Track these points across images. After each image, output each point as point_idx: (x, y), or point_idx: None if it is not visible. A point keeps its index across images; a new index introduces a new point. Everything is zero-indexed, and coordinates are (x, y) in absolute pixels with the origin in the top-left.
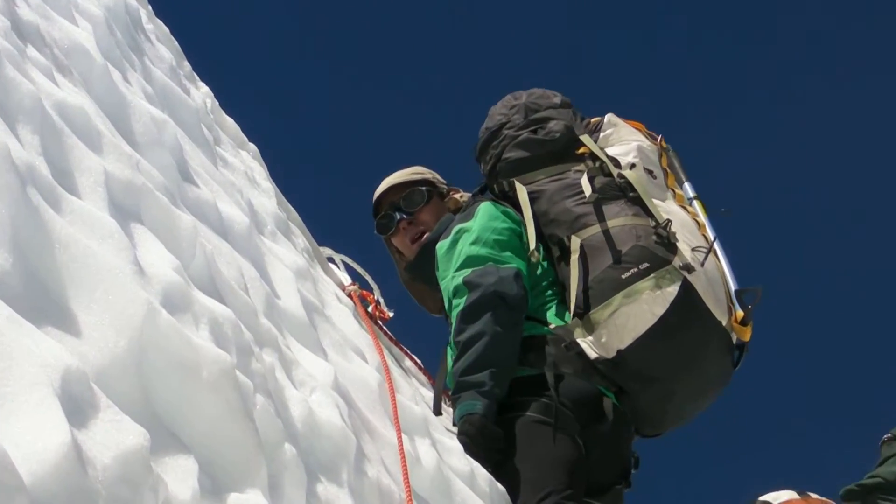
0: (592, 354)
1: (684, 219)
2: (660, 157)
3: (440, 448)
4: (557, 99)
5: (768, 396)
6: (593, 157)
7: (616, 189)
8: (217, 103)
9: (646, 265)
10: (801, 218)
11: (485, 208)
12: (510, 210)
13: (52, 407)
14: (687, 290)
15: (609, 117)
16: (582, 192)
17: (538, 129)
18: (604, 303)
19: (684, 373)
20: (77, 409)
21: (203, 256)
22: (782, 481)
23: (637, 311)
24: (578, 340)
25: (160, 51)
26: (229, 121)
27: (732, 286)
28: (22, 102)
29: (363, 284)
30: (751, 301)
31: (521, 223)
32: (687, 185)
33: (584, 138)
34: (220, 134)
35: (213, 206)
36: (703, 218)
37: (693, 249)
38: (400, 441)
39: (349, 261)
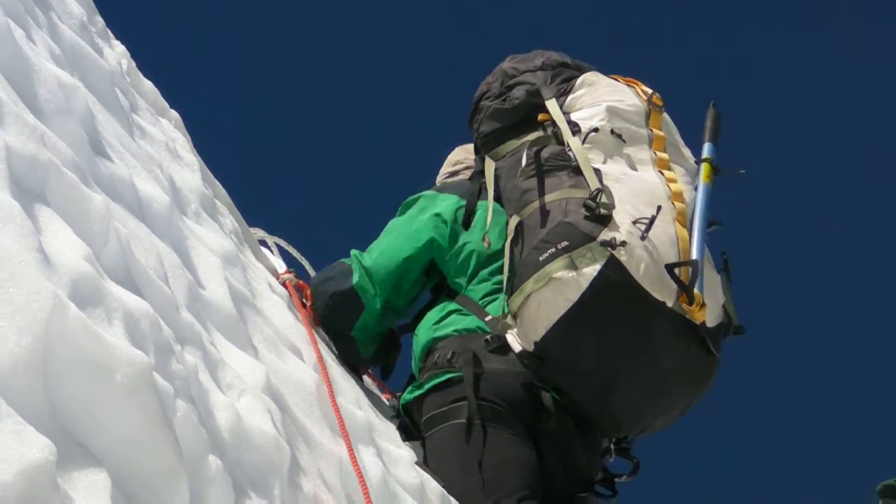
0: (517, 347)
1: (649, 186)
2: (648, 116)
3: (386, 458)
4: (539, 60)
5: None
6: (554, 122)
7: (563, 158)
8: (134, 64)
9: (565, 243)
10: None
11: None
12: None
13: None
14: (613, 270)
15: (585, 77)
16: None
17: (507, 98)
18: (519, 289)
19: (622, 365)
20: None
21: (117, 242)
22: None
23: (548, 298)
24: (507, 333)
25: (69, 5)
26: (148, 84)
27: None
28: None
29: (300, 272)
30: (695, 278)
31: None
32: (707, 145)
33: (549, 103)
34: (137, 100)
35: (129, 183)
36: (680, 184)
37: (635, 222)
38: (351, 451)
39: (284, 244)
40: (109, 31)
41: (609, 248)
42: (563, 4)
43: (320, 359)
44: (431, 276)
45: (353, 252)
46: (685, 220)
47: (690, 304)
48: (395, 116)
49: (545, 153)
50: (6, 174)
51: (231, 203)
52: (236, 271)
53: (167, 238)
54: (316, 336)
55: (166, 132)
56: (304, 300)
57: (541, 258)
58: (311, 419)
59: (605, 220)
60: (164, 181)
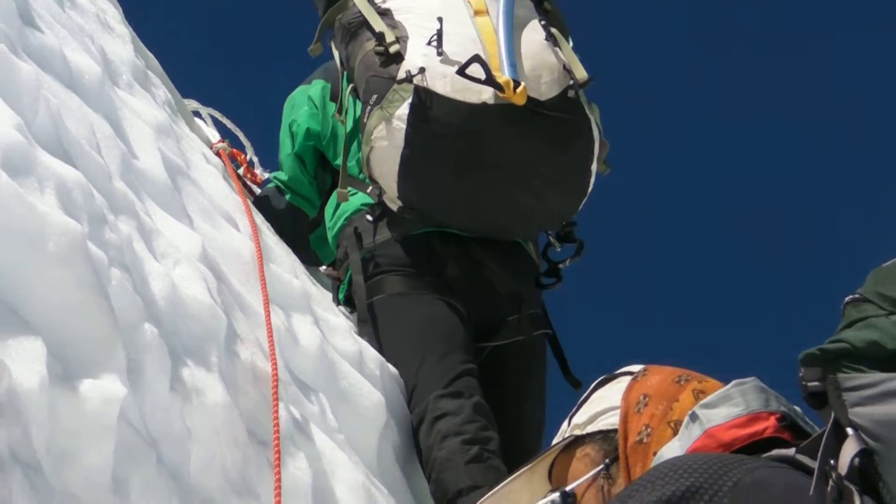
0: (393, 207)
1: (444, 5)
2: None
3: (324, 327)
4: None
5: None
6: None
7: (356, 16)
8: None
9: (375, 97)
10: None
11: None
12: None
13: None
14: (421, 98)
15: None
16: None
17: None
18: (361, 156)
19: (475, 176)
20: None
21: (47, 112)
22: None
23: (381, 155)
24: (384, 198)
25: None
26: None
27: (503, 47)
28: None
29: (234, 142)
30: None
31: None
32: None
33: None
34: None
35: (60, 53)
36: None
37: (429, 42)
38: (267, 314)
39: (218, 115)
40: None
41: (408, 81)
42: None
43: (254, 227)
44: (327, 165)
45: (272, 176)
46: (488, 10)
47: (504, 91)
48: None
49: (345, 18)
50: None
51: (164, 74)
52: (170, 141)
53: (99, 109)
54: (250, 205)
55: (97, 3)
56: (237, 169)
57: (364, 120)
58: (248, 288)
59: (399, 58)
60: (95, 52)
